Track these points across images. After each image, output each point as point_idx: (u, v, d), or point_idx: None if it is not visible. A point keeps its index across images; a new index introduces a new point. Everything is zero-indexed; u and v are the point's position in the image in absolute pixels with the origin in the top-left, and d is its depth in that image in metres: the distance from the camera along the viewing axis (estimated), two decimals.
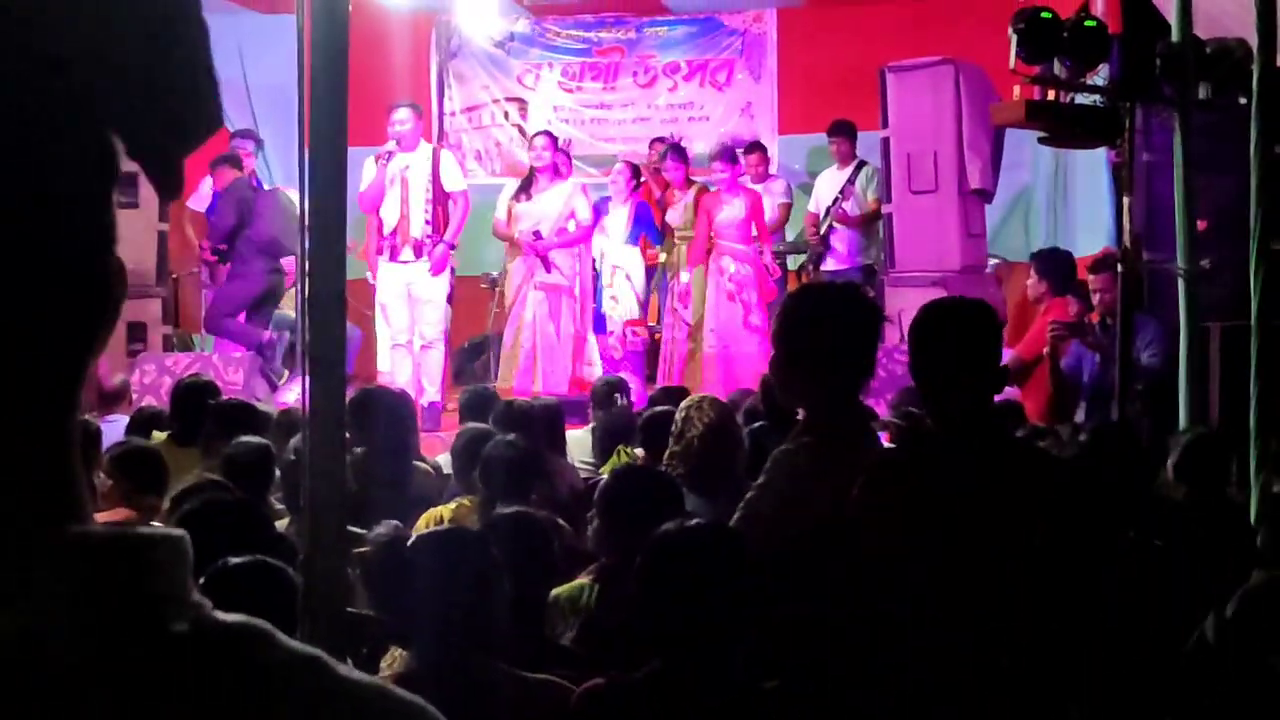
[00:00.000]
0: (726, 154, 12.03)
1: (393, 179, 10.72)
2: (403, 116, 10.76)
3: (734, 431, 5.64)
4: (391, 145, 10.72)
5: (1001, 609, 3.34)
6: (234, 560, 3.28)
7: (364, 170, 10.58)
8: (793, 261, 13.05)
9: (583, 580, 4.54)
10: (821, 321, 3.80)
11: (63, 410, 0.86)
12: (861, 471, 3.56)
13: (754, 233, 11.56)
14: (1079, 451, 5.44)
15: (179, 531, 0.87)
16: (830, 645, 3.42)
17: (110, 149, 0.86)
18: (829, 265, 12.32)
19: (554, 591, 4.43)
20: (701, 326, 11.62)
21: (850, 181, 12.35)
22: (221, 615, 0.87)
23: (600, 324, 12.43)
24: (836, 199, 12.46)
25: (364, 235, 11.02)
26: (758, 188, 12.72)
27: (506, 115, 15.42)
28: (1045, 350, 8.61)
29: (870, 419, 4.05)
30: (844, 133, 12.42)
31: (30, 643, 0.79)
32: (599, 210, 12.39)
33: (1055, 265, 9.30)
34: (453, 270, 11.57)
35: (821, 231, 12.54)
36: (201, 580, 3.20)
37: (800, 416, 3.91)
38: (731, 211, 11.55)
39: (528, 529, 4.19)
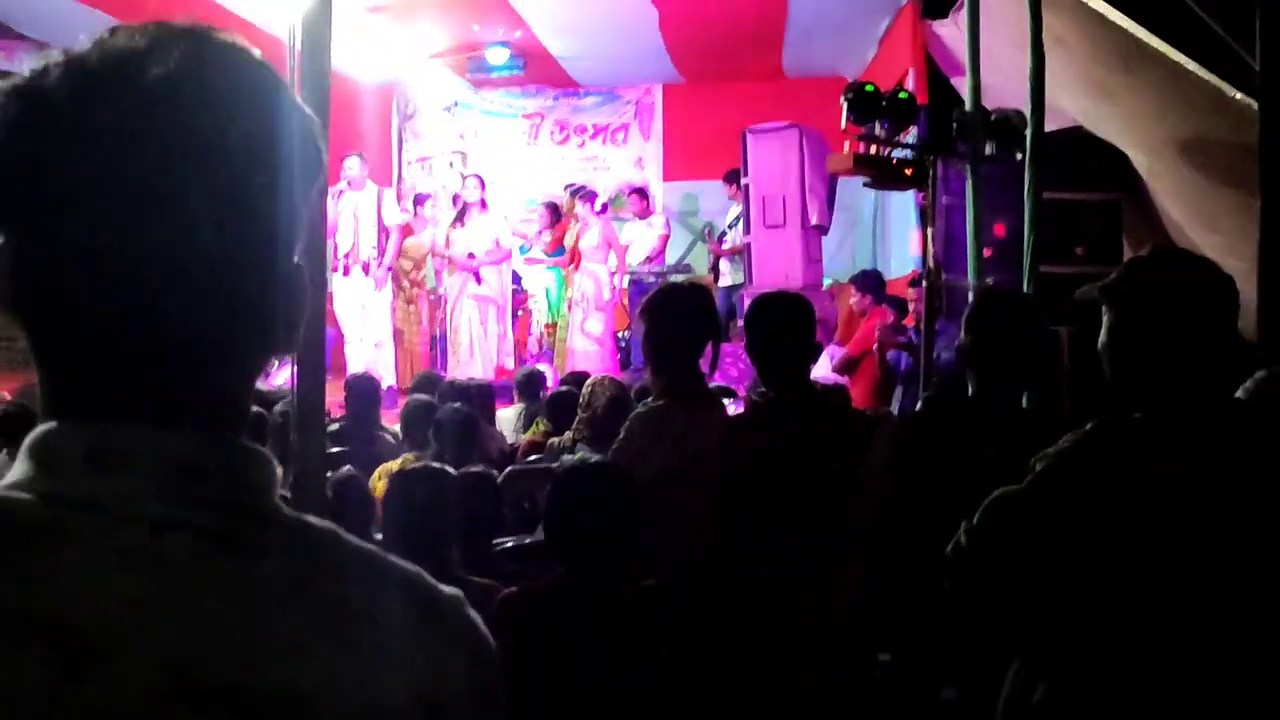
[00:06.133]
0: (585, 194, 12.31)
1: (344, 212, 10.75)
2: (352, 164, 10.88)
3: (629, 402, 5.64)
4: (342, 185, 10.80)
5: (828, 533, 3.39)
6: None
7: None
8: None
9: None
10: (668, 309, 3.89)
11: None
12: (707, 427, 3.66)
13: (610, 258, 11.84)
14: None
15: None
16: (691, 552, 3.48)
17: None
18: (721, 282, 12.36)
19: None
20: (568, 327, 11.97)
21: (738, 218, 12.33)
22: None
23: (528, 328, 12.59)
24: (722, 234, 12.50)
25: None
26: (641, 223, 12.92)
27: (451, 164, 15.29)
28: (874, 347, 8.67)
29: (720, 393, 4.09)
30: (735, 179, 12.39)
31: None
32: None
33: (872, 282, 9.38)
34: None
35: (709, 263, 12.85)
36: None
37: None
38: (589, 238, 11.80)
39: (481, 485, 4.24)
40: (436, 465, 3.94)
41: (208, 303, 0.88)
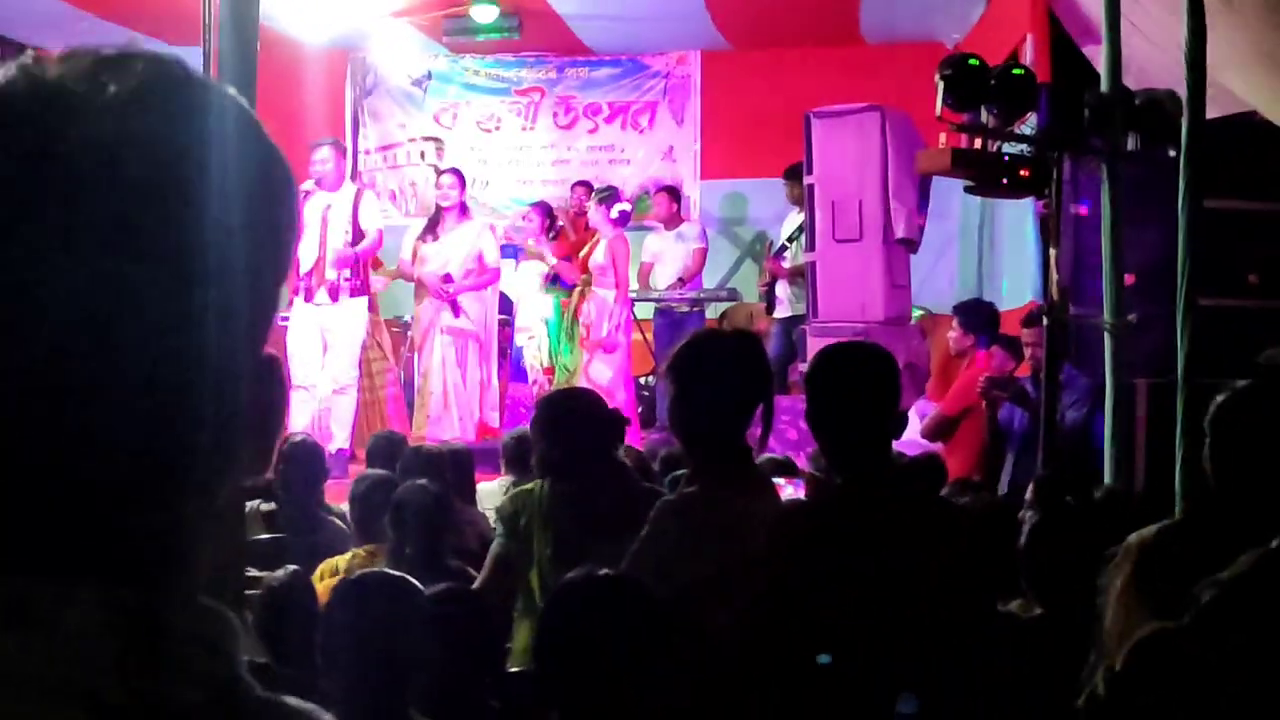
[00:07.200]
0: (607, 197, 11.93)
1: (311, 219, 10.51)
2: (324, 155, 10.72)
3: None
4: (310, 185, 10.56)
5: (900, 654, 3.38)
6: None
7: None
8: (712, 310, 12.98)
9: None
10: (703, 366, 3.91)
11: None
12: (755, 521, 3.64)
13: (613, 276, 11.60)
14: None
15: None
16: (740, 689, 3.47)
17: None
18: (778, 313, 12.31)
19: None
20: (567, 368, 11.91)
21: (800, 229, 12.15)
22: None
23: (521, 374, 12.39)
24: (783, 246, 12.42)
25: None
26: (670, 234, 12.92)
27: (423, 155, 15.36)
28: (973, 405, 8.67)
29: (773, 468, 4.14)
30: (797, 176, 11.94)
31: None
32: (517, 256, 12.38)
33: (980, 317, 9.32)
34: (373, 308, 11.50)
35: (763, 281, 12.71)
36: None
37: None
38: (595, 255, 11.62)
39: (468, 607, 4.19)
40: (396, 575, 3.87)
41: (153, 413, 0.88)
